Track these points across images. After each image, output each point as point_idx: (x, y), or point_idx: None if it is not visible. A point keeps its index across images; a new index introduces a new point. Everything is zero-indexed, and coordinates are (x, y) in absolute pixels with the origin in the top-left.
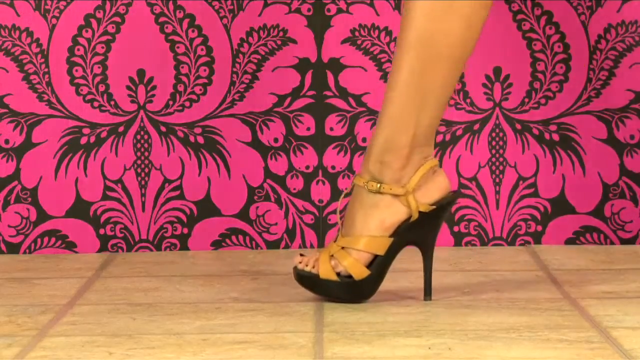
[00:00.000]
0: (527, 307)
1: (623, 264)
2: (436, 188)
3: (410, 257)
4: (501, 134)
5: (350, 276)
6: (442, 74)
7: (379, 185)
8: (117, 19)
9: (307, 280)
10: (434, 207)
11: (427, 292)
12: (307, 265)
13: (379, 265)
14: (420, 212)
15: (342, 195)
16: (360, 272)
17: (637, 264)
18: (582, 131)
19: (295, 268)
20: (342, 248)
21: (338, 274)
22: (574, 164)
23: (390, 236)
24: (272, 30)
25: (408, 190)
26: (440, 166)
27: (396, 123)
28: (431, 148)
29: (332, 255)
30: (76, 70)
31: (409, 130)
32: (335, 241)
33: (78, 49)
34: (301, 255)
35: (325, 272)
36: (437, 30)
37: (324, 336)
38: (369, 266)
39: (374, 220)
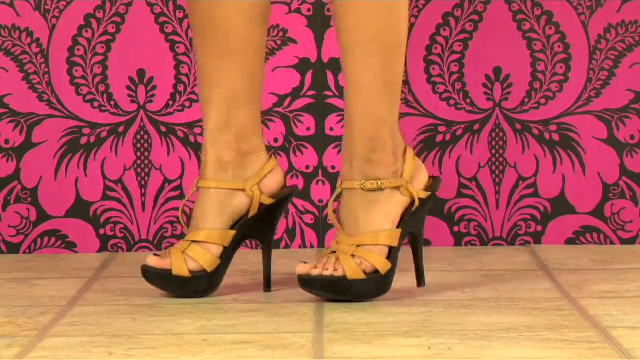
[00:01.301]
0: (527, 307)
1: (623, 264)
2: (424, 175)
3: (410, 258)
4: (501, 134)
5: (375, 271)
6: (398, 63)
7: (379, 182)
8: (117, 19)
9: (337, 285)
10: (430, 192)
11: (420, 280)
12: (326, 270)
13: (394, 256)
14: (420, 199)
15: (332, 200)
16: (385, 266)
17: (637, 264)
18: (582, 131)
19: (305, 279)
20: (358, 246)
21: (364, 272)
22: (574, 164)
23: (397, 227)
24: (272, 30)
25: (407, 180)
26: (441, 166)
27: (374, 121)
28: (400, 135)
29: (352, 255)
30: (76, 70)
31: (387, 125)
32: (338, 242)
33: (78, 49)
34: (304, 263)
35: (354, 272)
36: (383, 25)
37: (324, 336)
38: (387, 258)
39: (379, 215)
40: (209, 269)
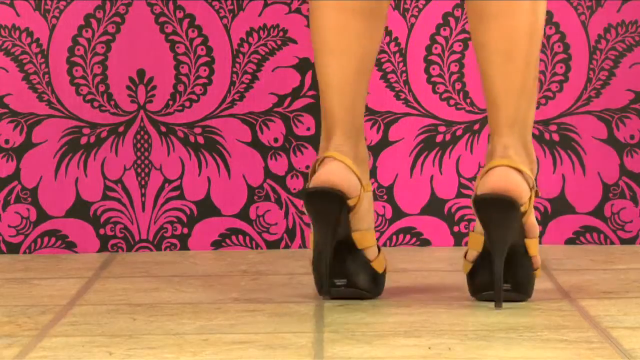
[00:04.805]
0: (527, 307)
1: (623, 264)
2: (311, 181)
3: (410, 258)
4: None
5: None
6: (323, 66)
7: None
8: (117, 19)
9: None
10: (303, 199)
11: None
12: None
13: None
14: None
15: None
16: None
17: (637, 264)
18: (582, 131)
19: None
20: None
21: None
22: (574, 164)
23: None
24: (272, 30)
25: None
26: (441, 166)
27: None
28: (334, 140)
29: None
30: (76, 70)
31: (322, 125)
32: None
33: (78, 49)
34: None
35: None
36: (311, 24)
37: (324, 336)
38: None
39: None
40: None
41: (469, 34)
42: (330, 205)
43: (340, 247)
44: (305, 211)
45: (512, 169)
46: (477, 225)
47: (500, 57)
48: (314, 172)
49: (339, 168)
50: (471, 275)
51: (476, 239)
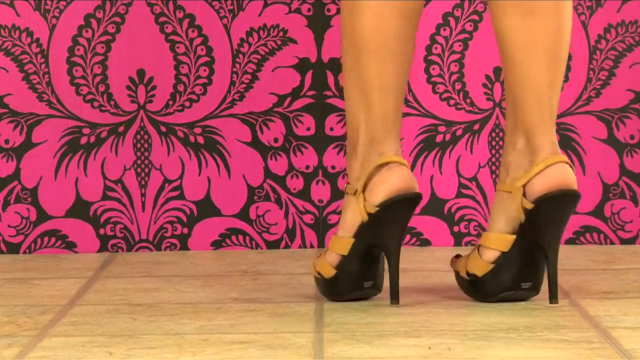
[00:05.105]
0: (527, 307)
1: (623, 264)
2: (385, 187)
3: (410, 258)
4: (501, 134)
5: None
6: (374, 67)
7: (345, 185)
8: (117, 19)
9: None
10: (378, 208)
11: (394, 296)
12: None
13: (345, 264)
14: (368, 214)
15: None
16: (327, 271)
17: (637, 264)
18: (582, 131)
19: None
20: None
21: (318, 273)
22: (574, 164)
23: (353, 237)
24: (272, 30)
25: (357, 189)
26: (441, 166)
27: (351, 123)
28: (391, 145)
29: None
30: (76, 70)
31: (361, 128)
32: None
33: (78, 49)
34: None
35: (313, 270)
36: (356, 24)
37: (324, 336)
38: (335, 265)
39: (344, 222)
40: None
41: (469, 34)
42: (410, 211)
43: (372, 250)
44: (378, 217)
45: (567, 164)
46: (498, 224)
47: (547, 55)
48: (369, 176)
49: (409, 173)
50: (492, 276)
51: (502, 239)
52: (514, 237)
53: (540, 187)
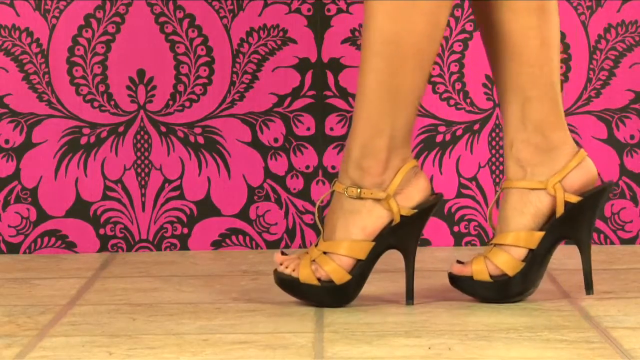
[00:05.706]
0: (527, 307)
1: (623, 264)
2: (417, 190)
3: None
4: (501, 134)
5: (331, 280)
6: (410, 73)
7: (359, 190)
8: (117, 19)
9: (288, 283)
10: (416, 210)
11: (409, 296)
12: (287, 268)
13: (360, 269)
14: (402, 216)
15: (319, 201)
16: (341, 276)
17: (637, 264)
18: (582, 131)
19: (275, 271)
20: (324, 253)
21: (319, 279)
22: None
23: (372, 240)
24: (272, 30)
25: (389, 194)
26: (441, 166)
27: (371, 128)
28: (409, 149)
29: (313, 260)
30: (76, 70)
31: (384, 134)
32: (316, 245)
33: (78, 49)
34: (283, 253)
35: (306, 276)
36: (401, 29)
37: (324, 336)
38: (350, 270)
39: (355, 226)
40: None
41: (469, 34)
42: (432, 212)
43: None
44: (411, 220)
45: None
46: (520, 221)
47: (557, 51)
48: (404, 180)
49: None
50: (523, 274)
51: (531, 237)
52: (542, 233)
53: (580, 180)
